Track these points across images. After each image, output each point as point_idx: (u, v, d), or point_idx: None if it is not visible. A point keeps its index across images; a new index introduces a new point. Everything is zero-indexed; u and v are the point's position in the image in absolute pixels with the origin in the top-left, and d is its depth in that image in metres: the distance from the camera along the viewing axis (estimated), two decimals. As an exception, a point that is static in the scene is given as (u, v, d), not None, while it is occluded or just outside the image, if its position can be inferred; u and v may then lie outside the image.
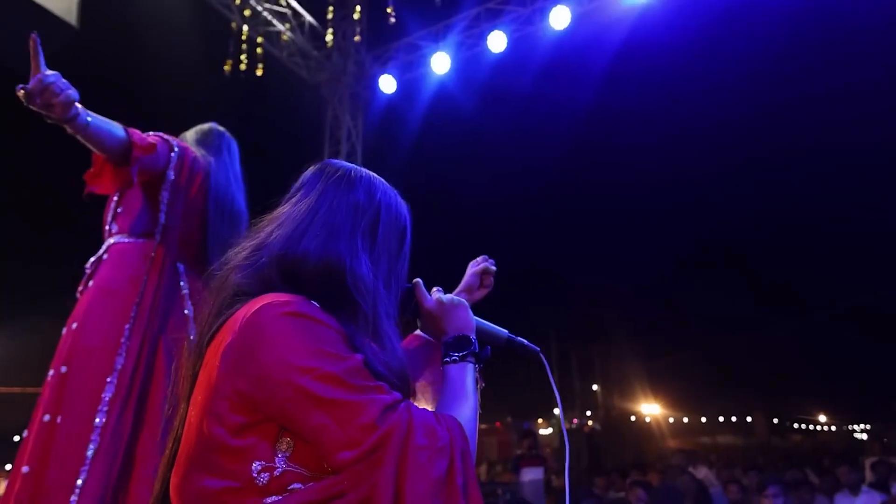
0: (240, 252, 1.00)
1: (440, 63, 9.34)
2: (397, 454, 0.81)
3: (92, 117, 1.89)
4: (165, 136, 2.21)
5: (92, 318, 2.07)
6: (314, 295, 0.94)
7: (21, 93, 1.72)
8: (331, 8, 9.43)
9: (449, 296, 1.23)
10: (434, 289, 1.26)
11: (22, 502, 1.80)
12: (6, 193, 9.80)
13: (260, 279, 0.95)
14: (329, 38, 9.05)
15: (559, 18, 8.17)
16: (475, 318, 1.26)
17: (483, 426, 24.99)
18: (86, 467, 1.84)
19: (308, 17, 9.36)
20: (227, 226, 2.32)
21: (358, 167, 1.17)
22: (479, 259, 1.55)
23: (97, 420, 1.90)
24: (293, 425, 0.83)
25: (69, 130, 1.87)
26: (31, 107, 1.75)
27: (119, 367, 1.94)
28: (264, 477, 0.83)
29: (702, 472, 8.36)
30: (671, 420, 27.32)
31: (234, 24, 8.22)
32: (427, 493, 0.80)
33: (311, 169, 1.15)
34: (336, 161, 1.18)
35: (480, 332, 1.26)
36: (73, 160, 2.32)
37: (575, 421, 23.41)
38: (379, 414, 0.84)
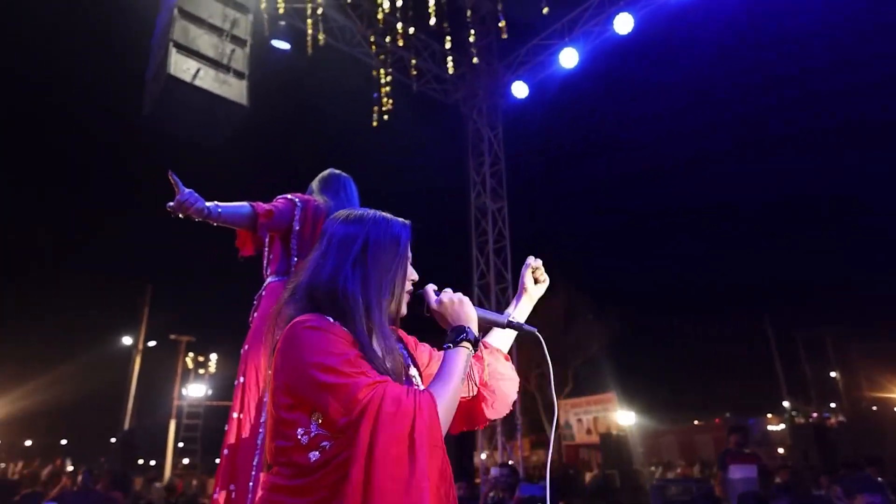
0: (288, 290, 1.48)
1: (568, 58, 9.41)
2: (372, 418, 1.14)
3: (222, 208, 2.59)
4: (291, 196, 2.88)
5: (256, 341, 2.75)
6: (327, 311, 1.36)
7: (168, 207, 2.51)
8: (472, 31, 10.01)
9: (450, 295, 1.52)
10: (444, 290, 1.55)
11: (224, 475, 2.58)
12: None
13: (298, 306, 1.40)
14: (449, 62, 9.60)
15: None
16: (478, 308, 1.56)
17: (699, 423, 23.27)
18: (258, 451, 2.55)
19: (436, 45, 10.08)
20: None
21: (358, 209, 1.54)
22: (527, 261, 1.89)
23: (262, 417, 2.60)
24: (313, 403, 1.24)
25: (211, 223, 2.62)
26: (178, 215, 2.53)
27: None
28: (304, 439, 1.21)
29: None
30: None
31: (374, 72, 9.21)
32: (390, 445, 1.13)
33: (328, 220, 1.58)
34: (344, 209, 1.56)
35: (483, 320, 1.56)
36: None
37: (815, 415, 20.71)
38: (362, 391, 1.16)
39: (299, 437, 1.21)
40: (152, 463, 24.60)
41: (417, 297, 1.50)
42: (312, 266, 1.42)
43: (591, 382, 21.95)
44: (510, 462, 9.99)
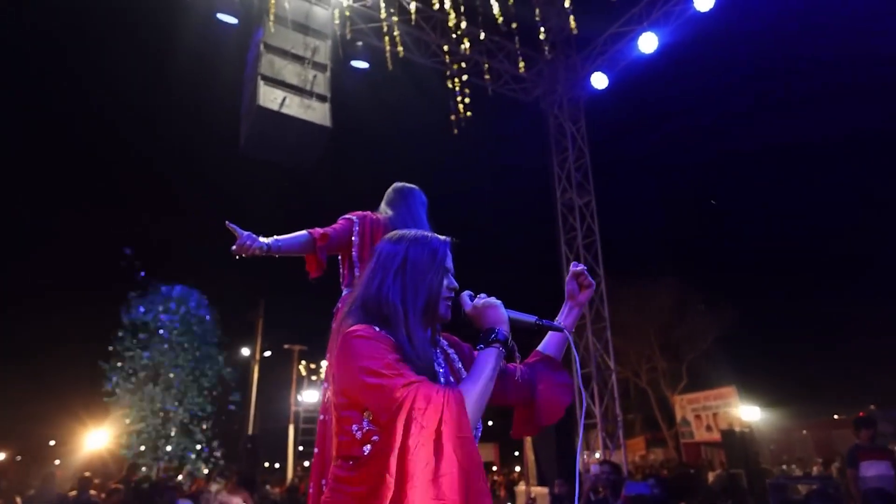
0: (347, 304, 1.67)
1: (648, 43, 9.11)
2: (406, 413, 1.30)
3: (281, 241, 2.85)
4: (349, 216, 3.13)
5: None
6: (375, 320, 1.53)
7: (232, 251, 2.77)
8: (543, 27, 9.93)
9: (484, 299, 1.65)
10: (479, 295, 1.67)
11: (316, 472, 2.85)
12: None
13: (354, 318, 1.56)
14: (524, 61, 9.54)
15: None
16: (510, 310, 1.66)
17: (839, 417, 21.27)
18: None
19: (510, 45, 10.07)
20: None
21: (402, 231, 1.70)
22: (571, 268, 1.95)
23: None
24: (363, 403, 1.41)
25: (274, 255, 2.92)
26: (242, 255, 2.79)
27: None
28: (359, 434, 1.37)
29: None
30: None
31: (448, 82, 9.38)
32: (420, 436, 1.28)
33: (380, 241, 1.76)
34: (395, 231, 1.72)
35: (513, 321, 1.65)
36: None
37: None
38: (399, 391, 1.32)
39: (354, 432, 1.39)
40: (276, 466, 26.29)
41: (455, 303, 1.62)
42: (364, 281, 1.61)
43: (708, 376, 20.78)
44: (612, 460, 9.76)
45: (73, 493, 8.58)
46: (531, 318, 1.67)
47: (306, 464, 20.57)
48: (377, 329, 1.47)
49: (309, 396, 20.57)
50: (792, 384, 21.07)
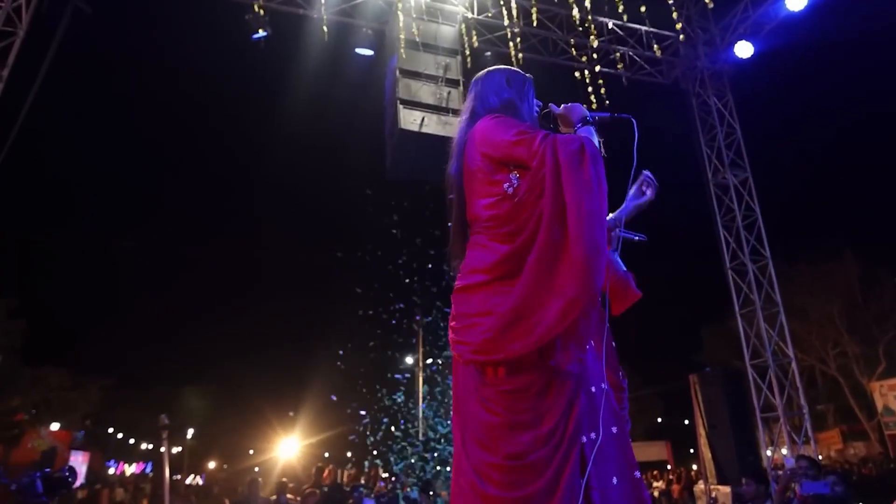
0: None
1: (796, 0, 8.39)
2: (552, 144, 1.70)
3: None
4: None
5: None
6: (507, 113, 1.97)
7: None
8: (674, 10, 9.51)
9: (564, 105, 2.04)
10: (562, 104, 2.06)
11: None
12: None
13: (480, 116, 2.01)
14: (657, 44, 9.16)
15: None
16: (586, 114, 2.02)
17: None
18: None
19: (641, 29, 9.74)
20: None
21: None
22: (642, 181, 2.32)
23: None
24: (511, 159, 1.79)
25: None
26: None
27: None
28: (510, 189, 1.77)
29: None
30: None
31: (577, 74, 9.29)
32: (569, 154, 1.68)
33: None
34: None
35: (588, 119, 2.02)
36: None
37: None
38: (538, 138, 1.73)
39: (506, 190, 1.78)
40: (448, 469, 27.21)
41: (546, 114, 2.07)
42: (481, 95, 2.12)
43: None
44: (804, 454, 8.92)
45: (273, 497, 9.49)
46: (591, 116, 1.98)
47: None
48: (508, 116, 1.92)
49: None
50: None
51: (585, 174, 1.64)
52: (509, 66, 2.18)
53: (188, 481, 25.30)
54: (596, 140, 1.86)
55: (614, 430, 1.81)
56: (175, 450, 28.89)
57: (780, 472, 8.01)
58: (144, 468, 32.08)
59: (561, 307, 1.58)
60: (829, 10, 8.43)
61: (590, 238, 1.59)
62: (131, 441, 32.61)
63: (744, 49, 9.15)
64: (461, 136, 2.00)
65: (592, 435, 1.72)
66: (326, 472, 12.73)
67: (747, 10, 9.27)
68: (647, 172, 2.29)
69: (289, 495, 9.82)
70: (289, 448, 19.67)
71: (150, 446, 32.99)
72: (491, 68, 2.18)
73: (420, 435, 18.34)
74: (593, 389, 1.81)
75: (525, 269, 1.65)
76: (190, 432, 30.10)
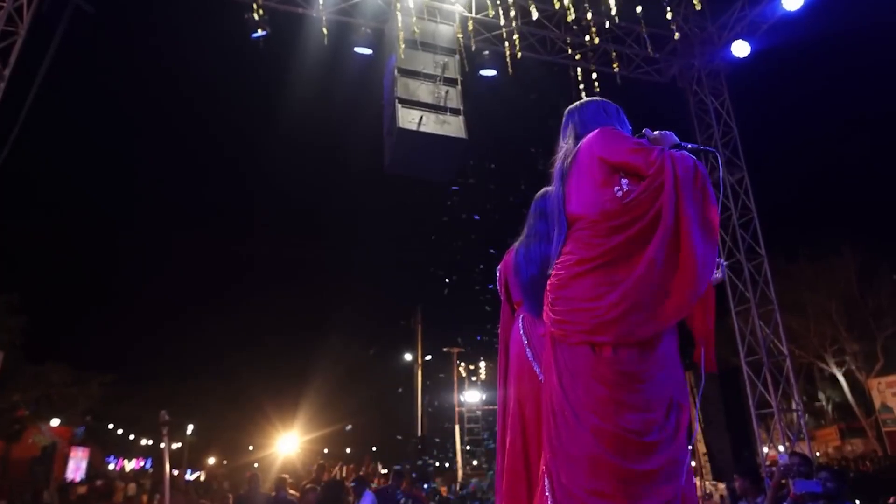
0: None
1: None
2: (670, 158, 1.86)
3: None
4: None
5: None
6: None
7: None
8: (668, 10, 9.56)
9: (658, 132, 2.15)
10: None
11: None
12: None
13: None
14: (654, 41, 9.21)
15: None
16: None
17: None
18: None
19: (637, 28, 9.78)
20: (517, 276, 3.03)
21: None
22: None
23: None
24: (627, 166, 1.96)
25: None
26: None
27: None
28: (620, 193, 1.95)
29: None
30: None
31: (571, 72, 9.35)
32: (686, 170, 1.85)
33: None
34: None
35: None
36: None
37: None
38: (655, 152, 1.90)
39: (616, 193, 1.96)
40: (447, 465, 27.38)
41: (641, 137, 2.18)
42: (589, 119, 2.33)
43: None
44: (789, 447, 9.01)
45: (273, 493, 9.54)
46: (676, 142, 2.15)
47: (475, 463, 21.19)
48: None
49: (471, 397, 21.23)
50: None
51: (699, 191, 1.86)
52: (600, 98, 2.39)
53: (188, 477, 25.43)
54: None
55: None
56: (175, 445, 28.97)
57: (774, 469, 8.09)
58: (144, 464, 32.20)
59: (676, 305, 1.83)
60: (825, 10, 8.47)
61: (703, 252, 1.81)
62: (131, 437, 32.72)
63: (740, 48, 9.21)
64: (565, 156, 2.21)
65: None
66: (329, 469, 12.80)
67: (744, 9, 9.31)
68: (720, 259, 2.37)
69: (290, 491, 9.87)
70: (288, 444, 19.79)
71: (150, 442, 33.16)
72: (585, 100, 2.40)
73: (419, 432, 18.51)
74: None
75: (640, 265, 1.85)
76: (189, 428, 30.19)
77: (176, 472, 22.08)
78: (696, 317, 2.39)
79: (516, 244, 3.01)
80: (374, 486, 11.64)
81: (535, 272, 2.78)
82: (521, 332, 2.76)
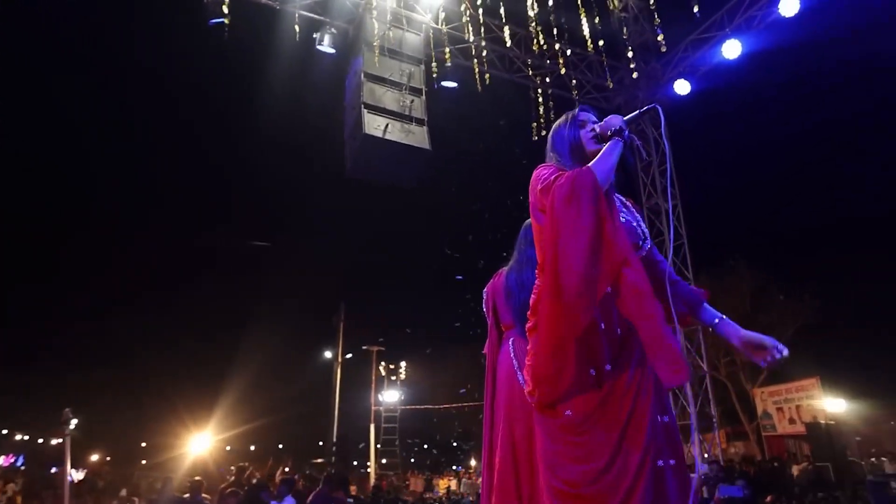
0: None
1: (731, 49, 9.25)
2: (550, 188, 1.86)
3: None
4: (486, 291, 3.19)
5: None
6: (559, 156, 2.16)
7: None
8: (625, 34, 10.14)
9: (606, 119, 2.12)
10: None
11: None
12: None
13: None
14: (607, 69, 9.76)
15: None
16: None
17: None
18: None
19: (593, 56, 10.32)
20: (508, 300, 3.14)
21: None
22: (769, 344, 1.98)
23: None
24: (541, 203, 1.94)
25: None
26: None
27: None
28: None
29: None
30: None
31: (531, 93, 9.72)
32: (559, 200, 1.81)
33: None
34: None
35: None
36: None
37: None
38: (553, 183, 1.88)
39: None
40: (355, 463, 27.23)
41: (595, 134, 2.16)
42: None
43: (789, 368, 20.39)
44: (706, 456, 9.92)
45: (187, 495, 8.94)
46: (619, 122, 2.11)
47: (384, 461, 21.24)
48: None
49: (389, 396, 21.28)
50: (879, 374, 20.47)
51: (570, 216, 1.81)
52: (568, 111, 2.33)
53: (75, 475, 23.58)
54: (615, 156, 1.98)
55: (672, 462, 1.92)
56: (54, 441, 26.84)
57: (693, 476, 8.88)
58: (15, 461, 29.57)
59: (550, 350, 1.85)
60: (762, 62, 9.36)
61: (568, 282, 1.77)
62: (3, 431, 30.03)
63: (682, 87, 9.96)
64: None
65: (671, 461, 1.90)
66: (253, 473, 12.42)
67: (687, 50, 10.08)
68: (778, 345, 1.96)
69: (205, 495, 9.48)
70: (201, 443, 18.94)
71: (27, 437, 30.56)
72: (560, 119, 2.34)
73: (335, 430, 18.30)
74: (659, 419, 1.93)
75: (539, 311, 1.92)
76: (73, 422, 28.07)
77: (55, 470, 20.44)
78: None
79: (506, 269, 3.13)
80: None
81: (527, 297, 2.65)
82: (512, 354, 2.88)
